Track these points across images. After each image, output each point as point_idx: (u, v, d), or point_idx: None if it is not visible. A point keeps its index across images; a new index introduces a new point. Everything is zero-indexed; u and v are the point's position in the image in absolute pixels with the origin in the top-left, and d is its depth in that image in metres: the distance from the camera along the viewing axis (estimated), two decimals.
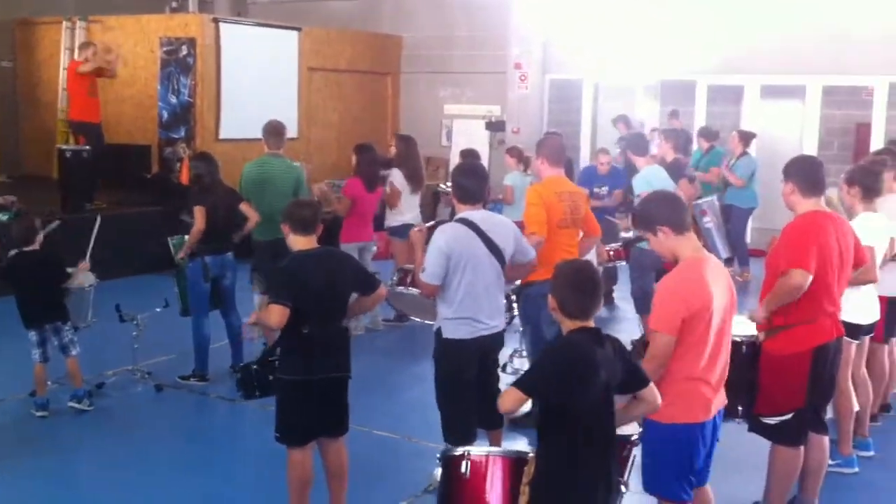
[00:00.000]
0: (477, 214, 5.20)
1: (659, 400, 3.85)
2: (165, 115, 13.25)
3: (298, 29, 14.55)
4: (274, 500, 5.09)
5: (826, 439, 5.16)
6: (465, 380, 5.13)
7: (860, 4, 12.86)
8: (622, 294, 10.06)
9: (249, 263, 8.18)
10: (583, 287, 3.68)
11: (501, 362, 7.23)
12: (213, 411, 7.20)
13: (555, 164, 6.54)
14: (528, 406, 3.80)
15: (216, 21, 13.41)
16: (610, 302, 10.28)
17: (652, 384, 3.84)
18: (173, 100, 13.19)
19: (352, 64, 15.65)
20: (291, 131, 12.69)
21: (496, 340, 5.31)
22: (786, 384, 4.83)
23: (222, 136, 13.15)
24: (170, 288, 7.87)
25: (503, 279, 5.31)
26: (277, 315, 4.58)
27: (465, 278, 5.06)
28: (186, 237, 7.44)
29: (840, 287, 4.96)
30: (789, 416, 4.85)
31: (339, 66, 15.41)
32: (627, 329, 9.14)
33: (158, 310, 7.55)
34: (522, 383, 3.61)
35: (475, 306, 5.10)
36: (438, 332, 5.21)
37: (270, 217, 7.57)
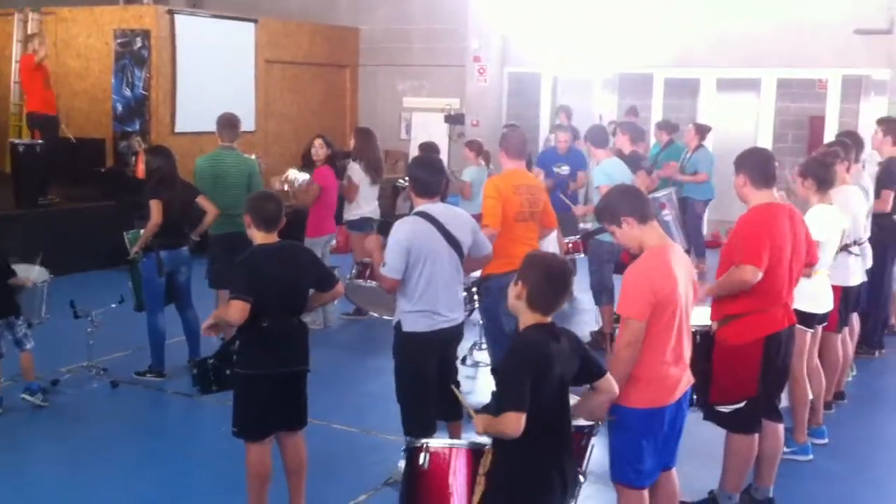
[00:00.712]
0: (435, 208, 5.20)
1: (616, 389, 3.90)
2: (120, 108, 13.08)
3: (255, 21, 14.43)
4: (232, 495, 5.05)
5: (780, 427, 5.23)
6: (424, 373, 5.13)
7: None
8: (580, 286, 10.09)
9: (205, 258, 8.10)
10: (555, 283, 3.69)
11: (461, 355, 7.25)
12: (170, 407, 7.14)
13: (514, 157, 6.56)
14: (485, 398, 3.81)
15: (171, 13, 13.26)
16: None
17: (609, 374, 3.87)
18: (128, 93, 13.02)
19: (309, 56, 15.55)
20: (248, 124, 12.62)
21: (456, 333, 5.32)
22: (739, 373, 4.89)
23: (178, 129, 13.01)
24: (125, 283, 7.77)
25: (462, 272, 5.32)
26: (238, 310, 4.55)
27: (425, 271, 5.05)
28: (142, 231, 7.35)
29: (793, 277, 5.02)
30: (742, 404, 4.91)
31: (297, 58, 15.31)
32: (586, 321, 9.20)
33: (114, 305, 7.46)
34: (512, 402, 3.50)
35: (435, 299, 5.10)
36: (398, 325, 5.20)
37: (225, 211, 7.53)
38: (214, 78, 13.36)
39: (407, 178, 8.11)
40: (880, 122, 8.61)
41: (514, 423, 3.47)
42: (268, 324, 4.65)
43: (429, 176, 5.28)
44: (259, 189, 7.63)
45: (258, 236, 4.82)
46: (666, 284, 4.09)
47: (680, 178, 11.41)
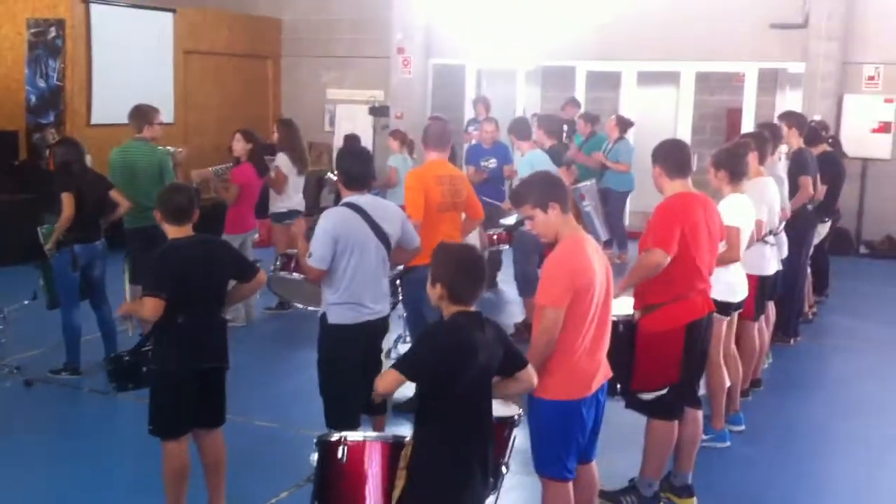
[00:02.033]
0: (364, 199, 5.18)
1: (535, 380, 3.91)
2: (33, 99, 12.68)
3: (173, 10, 14.12)
4: (150, 494, 4.94)
5: (700, 413, 5.32)
6: (349, 365, 5.08)
7: None
8: (505, 277, 10.16)
9: (121, 252, 7.92)
10: (470, 272, 3.69)
11: (385, 348, 7.22)
12: (86, 405, 6.97)
13: (437, 148, 6.55)
14: (411, 391, 3.79)
15: (86, 2, 12.88)
16: (494, 285, 10.37)
17: (529, 366, 3.88)
18: (42, 84, 12.63)
19: (229, 47, 15.30)
20: (167, 116, 12.33)
21: (381, 325, 5.30)
22: (660, 360, 4.96)
23: (94, 121, 12.69)
24: (38, 279, 7.55)
25: (388, 264, 5.30)
26: (151, 307, 4.47)
27: (351, 263, 5.02)
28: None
29: (710, 265, 5.11)
30: (664, 391, 4.98)
31: (216, 48, 15.04)
32: (511, 312, 9.25)
33: (27, 302, 7.27)
34: (402, 365, 3.60)
35: (361, 291, 5.07)
36: (323, 317, 5.15)
37: (139, 204, 7.37)
38: (132, 69, 13.04)
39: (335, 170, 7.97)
40: (782, 117, 8.79)
41: (390, 381, 3.58)
42: (183, 320, 4.56)
43: (357, 167, 5.26)
44: (172, 181, 7.51)
45: (171, 230, 4.72)
46: (584, 274, 4.12)
47: (608, 163, 11.53)
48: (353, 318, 5.08)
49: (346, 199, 5.19)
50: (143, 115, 7.85)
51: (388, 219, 5.22)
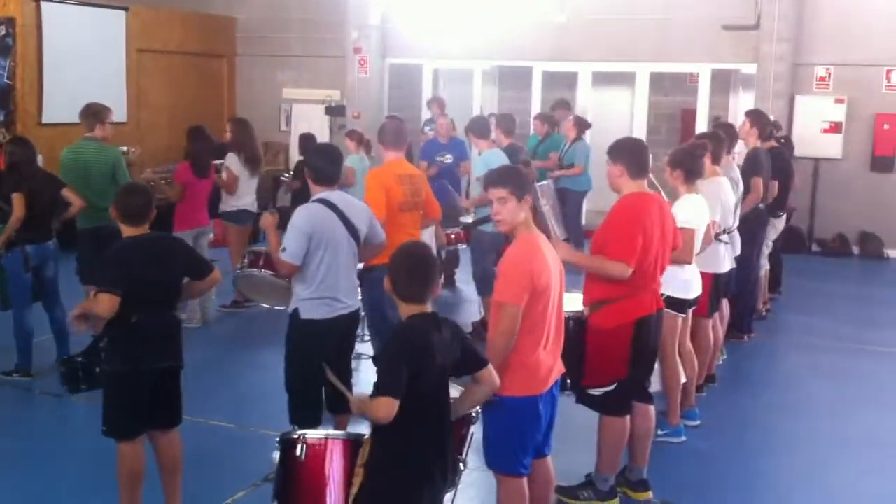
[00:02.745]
0: (334, 195, 5.22)
1: (497, 381, 3.92)
2: None
3: (125, 9, 13.97)
4: (104, 496, 4.88)
5: (651, 408, 5.36)
6: (319, 362, 5.04)
7: None
8: (464, 276, 10.18)
9: (74, 253, 7.81)
10: (416, 270, 3.70)
11: None
12: (38, 407, 6.87)
13: (393, 147, 6.55)
14: (369, 389, 3.77)
15: (37, 0, 12.71)
16: (452, 284, 10.38)
17: (490, 365, 3.89)
18: None
19: (183, 45, 15.16)
20: (120, 115, 12.21)
21: (353, 319, 5.33)
22: (609, 356, 5.00)
23: (45, 120, 12.51)
24: None
25: (357, 260, 5.34)
26: (107, 304, 4.41)
27: (325, 258, 5.04)
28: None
29: (662, 264, 5.14)
30: (613, 386, 5.01)
31: (170, 47, 14.90)
32: (469, 311, 9.26)
33: None
34: (386, 387, 3.51)
35: (335, 286, 5.10)
36: (295, 313, 5.13)
37: (92, 204, 7.28)
38: (83, 67, 12.88)
39: (288, 175, 7.88)
40: (749, 113, 8.93)
41: (387, 407, 3.46)
42: (138, 319, 4.51)
43: (328, 164, 5.28)
44: (126, 180, 7.42)
45: (126, 229, 4.67)
46: (542, 271, 4.13)
47: (556, 173, 11.56)
48: (327, 314, 5.10)
49: (316, 196, 5.20)
50: (94, 113, 7.74)
51: (357, 215, 5.26)
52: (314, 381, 5.08)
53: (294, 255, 4.99)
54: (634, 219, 4.97)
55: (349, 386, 5.15)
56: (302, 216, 5.06)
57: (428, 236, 7.45)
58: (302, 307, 5.11)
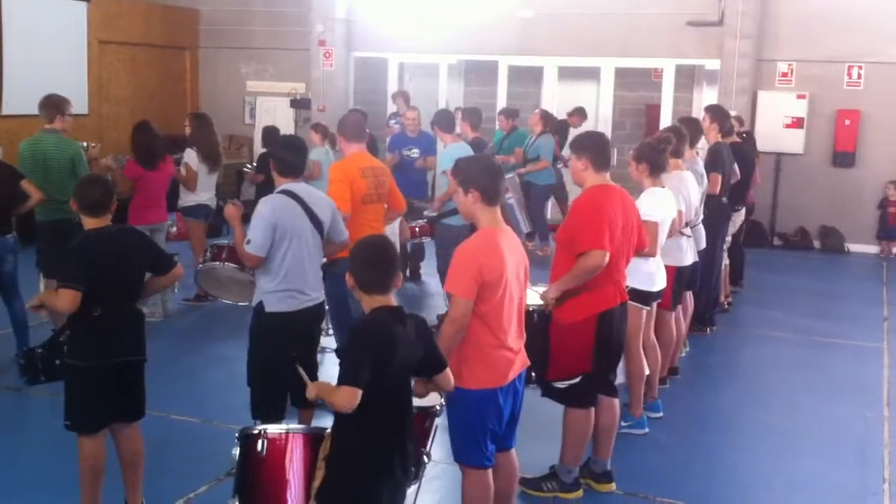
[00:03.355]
0: (299, 187, 5.18)
1: (453, 383, 3.91)
2: None
3: (87, 0, 13.79)
4: (65, 490, 4.81)
5: (616, 401, 5.39)
6: (284, 355, 5.01)
7: None
8: (429, 270, 10.18)
9: (34, 246, 7.70)
10: (376, 262, 3.68)
11: None
12: None
13: (355, 140, 6.52)
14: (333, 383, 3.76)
15: None
16: (417, 278, 10.37)
17: (448, 368, 3.88)
18: None
19: (146, 37, 15.01)
20: (81, 107, 12.06)
21: (318, 312, 5.29)
22: (573, 349, 5.01)
23: (5, 111, 12.34)
24: None
25: (321, 252, 5.29)
26: (68, 299, 4.35)
27: (290, 250, 5.00)
28: None
29: (625, 257, 5.17)
30: (578, 379, 5.03)
31: (132, 39, 14.74)
32: (434, 304, 9.25)
33: None
34: (349, 377, 3.49)
35: (300, 278, 5.06)
36: (259, 306, 5.08)
37: (51, 197, 7.17)
38: (44, 59, 12.72)
39: (251, 166, 7.79)
40: (708, 109, 9.00)
41: (349, 396, 3.43)
42: (100, 312, 4.45)
43: (293, 156, 5.25)
44: (85, 173, 7.32)
45: (87, 222, 4.61)
46: (494, 265, 4.11)
47: (523, 170, 11.59)
48: (293, 306, 5.05)
49: (281, 187, 5.16)
50: (54, 105, 7.63)
51: (322, 207, 5.23)
52: (277, 375, 5.02)
53: (259, 246, 4.94)
54: (599, 209, 4.98)
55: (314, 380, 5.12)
56: (266, 207, 5.01)
57: (391, 231, 7.41)
58: (267, 300, 5.06)
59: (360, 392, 3.45)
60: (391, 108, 15.19)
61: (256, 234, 4.94)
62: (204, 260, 7.00)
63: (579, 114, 13.30)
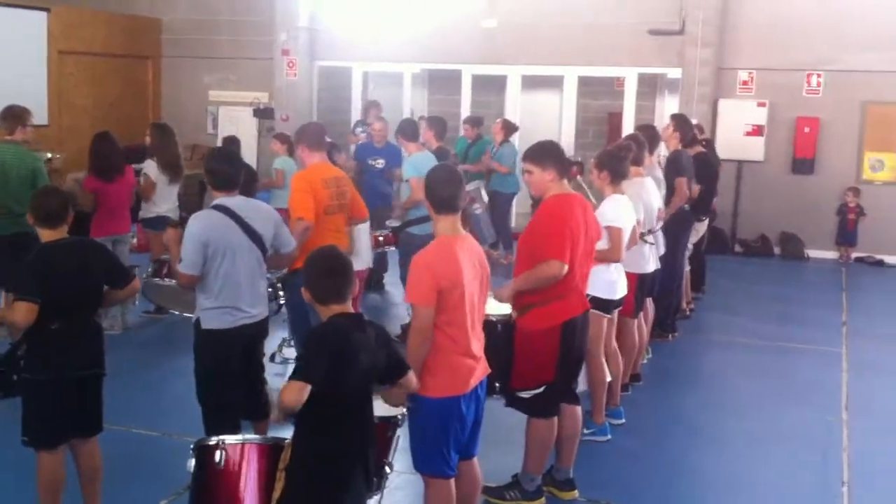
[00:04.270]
0: (234, 201, 5.03)
1: (415, 384, 3.91)
2: None
3: (47, 10, 13.66)
4: None
5: (578, 409, 5.41)
6: (226, 371, 4.98)
7: None
8: (392, 279, 10.17)
9: None
10: (331, 271, 3.68)
11: (270, 352, 7.13)
12: None
13: (316, 150, 6.49)
14: None
15: None
16: (381, 287, 10.35)
17: (411, 371, 3.88)
18: None
19: (106, 47, 14.89)
20: (41, 118, 11.93)
21: (259, 329, 5.17)
22: (538, 359, 5.01)
23: None
24: None
25: (264, 266, 5.19)
26: (24, 312, 4.29)
27: (224, 266, 4.90)
28: None
29: (587, 265, 5.20)
30: (541, 389, 5.04)
31: (93, 48, 14.62)
32: (398, 314, 9.23)
33: None
34: (299, 373, 3.51)
35: (236, 295, 4.95)
36: (197, 322, 5.02)
37: (9, 209, 7.08)
38: (2, 69, 12.57)
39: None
40: (674, 117, 9.10)
41: (296, 392, 3.43)
42: (57, 325, 4.41)
43: (226, 168, 5.11)
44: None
45: (44, 234, 4.56)
46: (449, 273, 4.11)
47: (492, 165, 11.65)
48: (229, 323, 4.95)
49: (215, 202, 5.05)
50: (15, 116, 7.54)
51: (261, 220, 5.09)
52: (224, 391, 4.97)
53: (191, 265, 4.84)
54: (561, 219, 4.99)
55: (261, 395, 5.05)
56: (197, 225, 4.89)
57: (364, 236, 7.39)
58: (203, 317, 4.98)
59: (307, 388, 3.43)
60: (355, 117, 15.21)
61: (188, 253, 4.84)
62: (147, 275, 6.95)
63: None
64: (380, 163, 10.18)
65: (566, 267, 4.89)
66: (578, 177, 11.92)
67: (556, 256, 4.89)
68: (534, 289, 4.98)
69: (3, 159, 7.42)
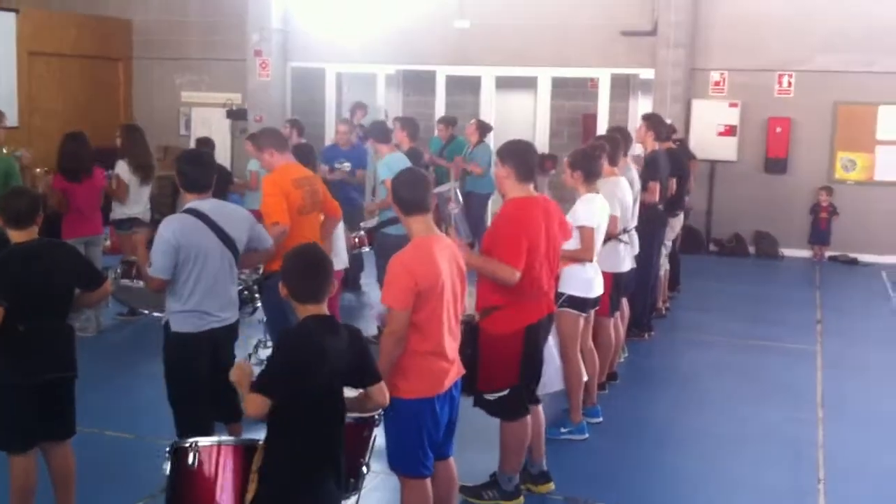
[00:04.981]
0: (206, 204, 4.97)
1: (386, 399, 3.88)
2: None
3: (16, 10, 13.51)
4: None
5: (539, 407, 5.39)
6: (195, 374, 4.91)
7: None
8: (368, 280, 10.13)
9: None
10: (308, 270, 3.66)
11: (246, 353, 7.08)
12: None
13: (283, 151, 6.44)
14: None
15: None
16: (357, 288, 10.31)
17: (382, 382, 3.84)
18: None
19: (76, 48, 14.74)
20: (11, 119, 11.78)
21: (229, 332, 5.11)
22: (501, 362, 4.99)
23: None
24: None
25: (235, 270, 5.13)
26: None
27: (195, 271, 4.84)
28: None
29: (552, 267, 5.17)
30: (506, 391, 5.02)
31: (63, 50, 14.47)
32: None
33: None
34: (258, 385, 3.51)
35: (206, 299, 4.89)
36: (166, 325, 4.97)
37: None
38: None
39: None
40: (645, 117, 9.13)
41: (257, 405, 3.47)
42: (25, 328, 4.34)
43: (198, 171, 5.03)
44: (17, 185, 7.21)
45: (13, 235, 4.49)
46: (428, 274, 4.09)
47: (465, 165, 11.65)
48: (198, 327, 4.89)
49: (187, 205, 4.98)
50: None
51: (234, 223, 5.03)
52: (194, 394, 4.93)
53: (162, 269, 4.78)
54: (518, 224, 4.96)
55: (230, 399, 4.99)
56: (167, 229, 4.82)
57: (341, 238, 7.36)
58: (173, 320, 4.92)
59: (268, 402, 3.45)
60: (329, 118, 15.17)
61: (158, 257, 4.77)
62: (115, 276, 6.87)
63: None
64: (346, 166, 10.13)
65: (518, 274, 4.85)
66: (552, 171, 12.00)
67: (509, 262, 4.86)
68: (483, 273, 4.97)
69: None
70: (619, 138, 7.36)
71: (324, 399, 3.58)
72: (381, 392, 3.83)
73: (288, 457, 3.53)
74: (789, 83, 13.28)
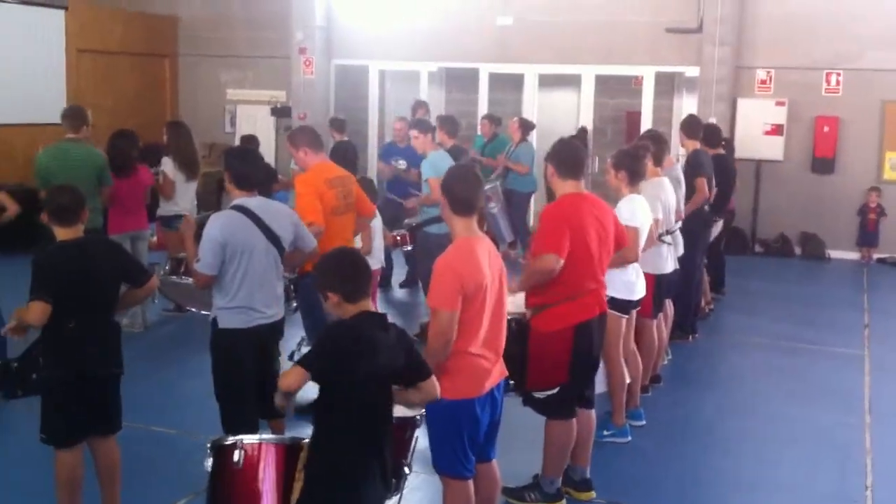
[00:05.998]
0: (253, 201, 5.02)
1: (438, 392, 3.87)
2: None
3: (64, 7, 13.70)
4: None
5: (592, 412, 5.37)
6: (242, 370, 4.96)
7: None
8: (400, 279, 10.20)
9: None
10: (348, 269, 3.69)
11: (289, 350, 7.12)
12: None
13: (318, 151, 6.44)
14: (314, 393, 3.73)
15: None
16: (388, 286, 10.31)
17: (433, 377, 3.84)
18: None
19: (124, 45, 14.92)
20: (58, 117, 11.98)
21: (274, 329, 5.16)
22: (550, 360, 4.97)
23: None
24: None
25: (281, 267, 5.17)
26: (38, 312, 4.30)
27: (241, 267, 4.88)
28: None
29: (602, 265, 5.14)
30: (555, 390, 5.00)
31: (111, 47, 14.65)
32: (409, 312, 9.22)
33: None
34: (305, 361, 3.57)
35: (252, 295, 4.93)
36: (214, 321, 5.01)
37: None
38: (21, 68, 12.64)
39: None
40: (681, 127, 8.92)
41: (295, 377, 3.55)
42: (73, 324, 4.40)
43: (246, 167, 5.09)
44: (109, 184, 7.70)
45: (59, 232, 4.55)
46: (473, 274, 4.08)
47: (509, 164, 11.62)
48: (244, 323, 4.94)
49: (234, 202, 5.03)
50: (79, 115, 7.75)
51: (279, 220, 5.08)
52: (241, 389, 4.96)
53: (209, 265, 4.83)
54: (561, 217, 4.97)
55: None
56: (215, 225, 4.87)
57: (378, 236, 7.36)
58: (220, 316, 4.97)
59: (307, 376, 3.52)
60: (372, 115, 15.20)
61: (206, 253, 4.82)
62: (164, 273, 6.95)
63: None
64: (401, 164, 10.15)
65: (561, 260, 4.84)
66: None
67: (549, 250, 4.85)
68: (536, 285, 4.96)
69: (73, 157, 7.55)
70: (664, 137, 7.30)
71: (372, 397, 3.59)
72: (433, 385, 3.83)
73: (334, 456, 3.53)
74: (837, 81, 13.07)
